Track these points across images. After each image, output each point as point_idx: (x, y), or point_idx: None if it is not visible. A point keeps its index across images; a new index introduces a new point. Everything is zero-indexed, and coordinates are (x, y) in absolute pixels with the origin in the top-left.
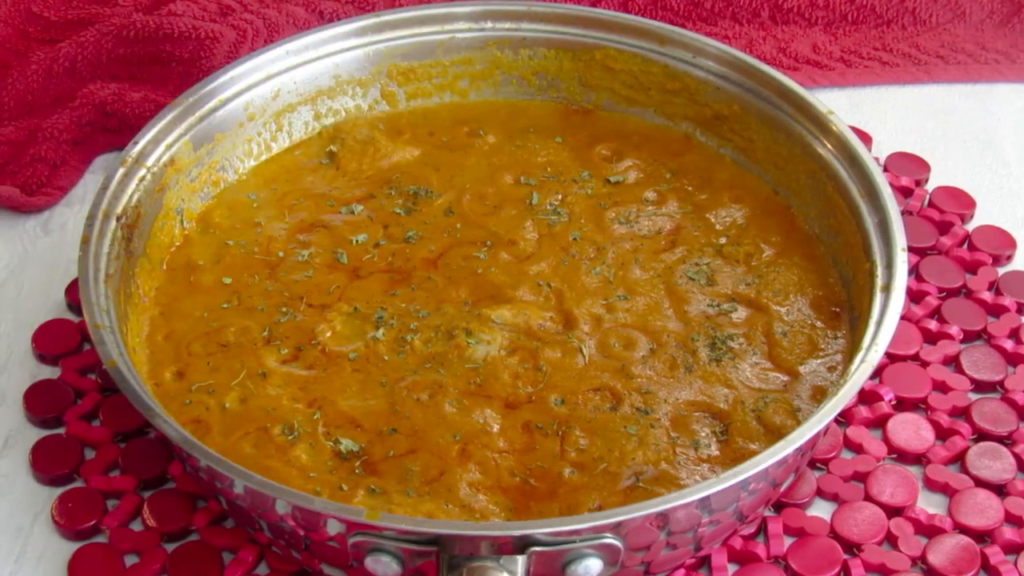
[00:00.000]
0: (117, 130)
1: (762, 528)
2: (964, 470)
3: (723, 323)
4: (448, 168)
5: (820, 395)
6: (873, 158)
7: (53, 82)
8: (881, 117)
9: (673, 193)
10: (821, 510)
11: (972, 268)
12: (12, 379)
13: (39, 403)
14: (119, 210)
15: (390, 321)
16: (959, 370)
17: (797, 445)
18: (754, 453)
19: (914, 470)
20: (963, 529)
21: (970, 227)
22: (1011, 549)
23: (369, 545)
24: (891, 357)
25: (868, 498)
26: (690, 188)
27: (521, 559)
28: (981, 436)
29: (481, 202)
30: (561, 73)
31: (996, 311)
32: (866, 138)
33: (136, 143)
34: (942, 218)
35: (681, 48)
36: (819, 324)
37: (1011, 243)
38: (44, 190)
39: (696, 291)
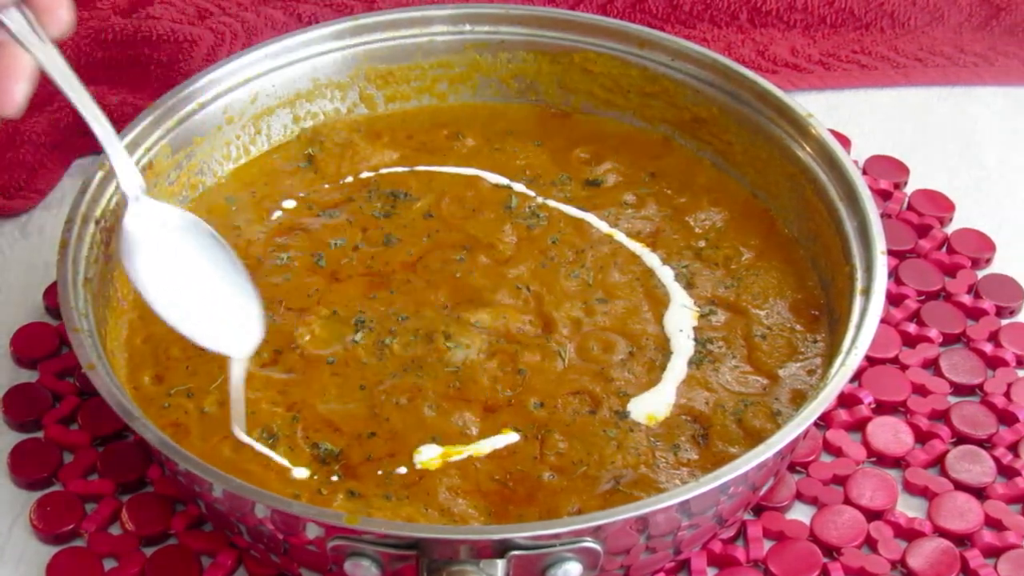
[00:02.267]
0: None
1: (742, 532)
2: (944, 473)
3: (702, 326)
4: (427, 171)
5: (799, 398)
6: (852, 161)
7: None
8: (860, 120)
9: (652, 196)
10: (801, 513)
11: (951, 271)
12: None
13: (17, 407)
14: (98, 214)
15: (369, 325)
16: (938, 373)
17: (777, 449)
18: (734, 457)
19: (893, 473)
20: (943, 532)
21: (949, 230)
22: (991, 552)
23: (348, 549)
24: (870, 360)
25: (848, 501)
26: (669, 191)
27: (501, 563)
28: (960, 439)
29: (460, 205)
30: (540, 76)
31: (975, 314)
32: (845, 141)
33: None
34: (921, 221)
35: (660, 51)
36: (798, 327)
37: (990, 246)
38: (22, 193)
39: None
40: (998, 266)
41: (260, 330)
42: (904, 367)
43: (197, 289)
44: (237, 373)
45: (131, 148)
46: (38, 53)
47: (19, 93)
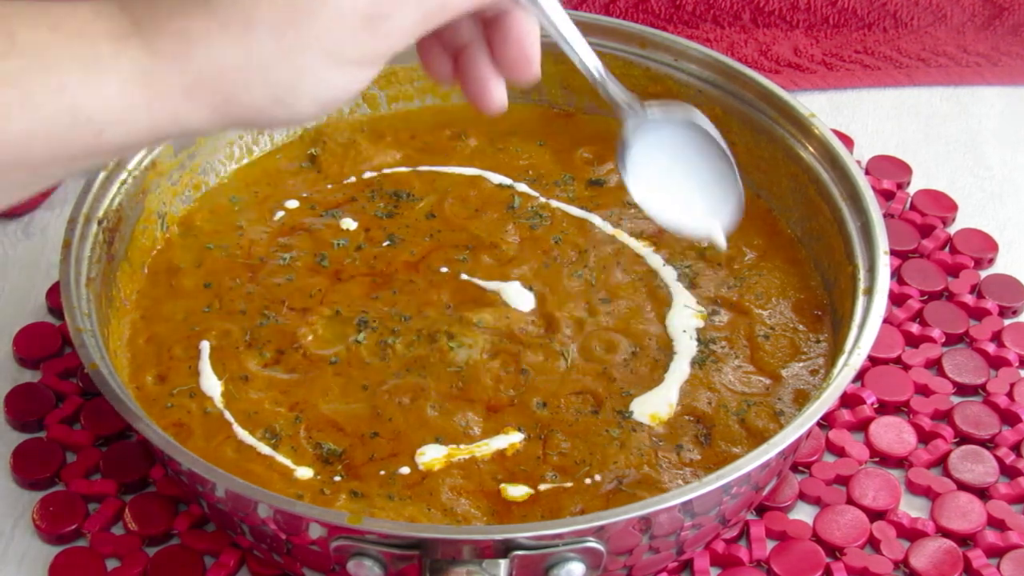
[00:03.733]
0: None
1: (744, 532)
2: (946, 473)
3: (705, 327)
4: (430, 171)
5: (802, 398)
6: (855, 161)
7: None
8: (863, 120)
9: None
10: (803, 513)
11: (954, 271)
12: None
13: (20, 407)
14: (100, 214)
15: (372, 325)
16: (941, 373)
17: (780, 449)
18: (736, 457)
19: (896, 473)
20: (946, 532)
21: (952, 230)
22: (993, 553)
23: (351, 549)
24: (873, 360)
25: (850, 501)
26: None
27: (503, 563)
28: (963, 439)
29: (463, 205)
30: (543, 76)
31: (978, 314)
32: (848, 141)
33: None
34: (924, 221)
35: (663, 51)
36: (801, 327)
37: (993, 246)
38: None
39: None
40: (1001, 266)
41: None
42: (907, 367)
43: (682, 186)
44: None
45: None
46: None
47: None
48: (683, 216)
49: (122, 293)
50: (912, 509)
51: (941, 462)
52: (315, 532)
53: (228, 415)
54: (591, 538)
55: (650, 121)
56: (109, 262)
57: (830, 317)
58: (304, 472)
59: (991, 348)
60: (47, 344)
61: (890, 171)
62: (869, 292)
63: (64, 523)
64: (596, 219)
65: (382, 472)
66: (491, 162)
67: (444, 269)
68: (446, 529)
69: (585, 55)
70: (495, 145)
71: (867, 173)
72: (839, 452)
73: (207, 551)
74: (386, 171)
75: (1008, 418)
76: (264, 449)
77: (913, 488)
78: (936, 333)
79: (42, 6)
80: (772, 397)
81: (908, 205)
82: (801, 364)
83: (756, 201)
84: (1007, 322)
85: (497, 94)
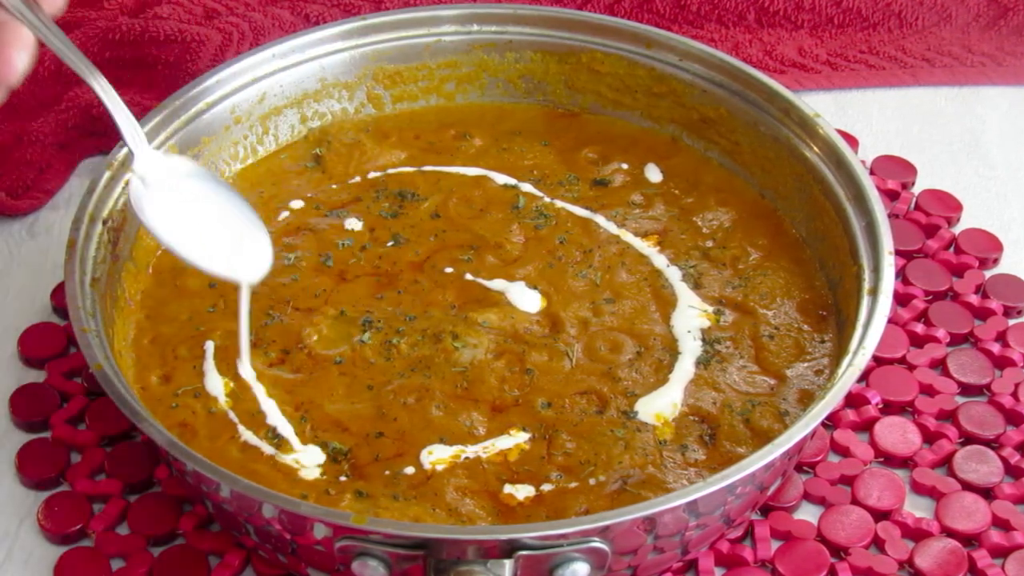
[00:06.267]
0: (103, 133)
1: (749, 532)
2: (951, 473)
3: (710, 327)
4: (434, 171)
5: (807, 399)
6: (859, 161)
7: (38, 85)
8: (867, 120)
9: (660, 196)
10: (808, 514)
11: (958, 271)
12: None
13: (25, 407)
14: (105, 214)
15: (377, 325)
16: (946, 373)
17: (784, 449)
18: (741, 457)
19: (901, 473)
20: (950, 532)
21: (956, 230)
22: (998, 553)
23: (356, 549)
24: (878, 360)
25: (855, 501)
26: (677, 191)
27: (508, 563)
28: (968, 439)
29: (467, 205)
30: (547, 76)
31: (982, 314)
32: (852, 141)
33: (122, 146)
34: (928, 221)
35: (667, 51)
36: (806, 328)
37: (997, 246)
38: (30, 193)
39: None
40: (1005, 266)
41: (269, 257)
42: (912, 367)
43: (207, 224)
44: (244, 300)
45: None
46: (36, 26)
47: (20, 61)
48: (209, 256)
49: (127, 293)
50: (917, 509)
51: (946, 462)
52: (320, 532)
53: (232, 415)
54: (596, 538)
55: (158, 164)
56: (114, 262)
57: (835, 317)
58: (309, 472)
59: (996, 348)
60: (52, 344)
61: (895, 171)
62: (874, 292)
63: (69, 523)
64: (601, 219)
65: (387, 472)
66: (495, 162)
67: (449, 269)
68: (451, 529)
69: (91, 75)
70: (499, 145)
71: (872, 173)
72: (844, 452)
73: (212, 551)
74: (391, 171)
75: (1013, 418)
76: (268, 449)
77: (918, 488)
78: (941, 333)
79: None
80: (777, 397)
81: (913, 205)
82: (806, 364)
83: (761, 201)
84: (1012, 322)
85: None
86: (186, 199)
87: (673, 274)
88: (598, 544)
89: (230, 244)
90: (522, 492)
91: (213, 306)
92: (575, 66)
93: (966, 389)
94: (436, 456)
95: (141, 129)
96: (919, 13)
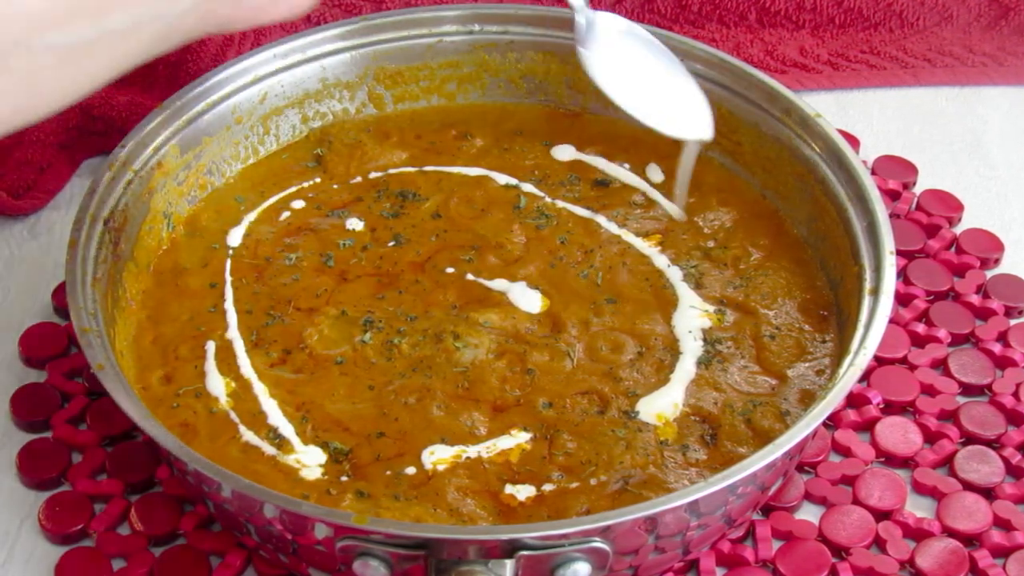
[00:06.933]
0: (104, 133)
1: (750, 532)
2: (952, 473)
3: (711, 327)
4: (435, 171)
5: (808, 399)
6: (861, 161)
7: None
8: (868, 120)
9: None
10: (809, 514)
11: (960, 271)
12: None
13: (26, 407)
14: (106, 213)
15: (378, 325)
16: (947, 373)
17: (785, 449)
18: (742, 457)
19: (902, 473)
20: (951, 533)
21: (958, 230)
22: (999, 552)
23: (357, 549)
24: (879, 360)
25: (856, 501)
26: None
27: (509, 563)
28: (969, 439)
29: (469, 205)
30: (549, 76)
31: (984, 314)
32: (854, 141)
33: (123, 147)
34: (930, 221)
35: (669, 51)
36: (807, 328)
37: (999, 246)
38: (31, 193)
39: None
40: (1007, 266)
41: (708, 114)
42: (913, 367)
43: (649, 83)
44: (691, 153)
45: (140, 148)
46: None
47: None
48: (653, 114)
49: (128, 293)
50: (918, 509)
51: (947, 462)
52: (321, 532)
53: (233, 415)
54: (597, 538)
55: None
56: (115, 262)
57: (836, 317)
58: (310, 472)
59: (997, 348)
60: (53, 344)
61: (896, 171)
62: (875, 292)
63: (70, 523)
64: (602, 219)
65: (388, 472)
66: (497, 162)
67: (450, 269)
68: (452, 529)
69: None
70: (501, 145)
71: (873, 173)
72: (845, 452)
73: (213, 551)
74: (392, 171)
75: (1014, 418)
76: (269, 449)
77: (919, 488)
78: (942, 333)
79: None
80: (778, 397)
81: (914, 205)
82: (807, 364)
83: (762, 201)
84: (1013, 322)
85: None
86: (627, 57)
87: (674, 274)
88: (599, 544)
89: (671, 102)
90: (523, 492)
91: (214, 306)
92: (576, 66)
93: (967, 389)
94: (437, 456)
95: None
96: (920, 13)
